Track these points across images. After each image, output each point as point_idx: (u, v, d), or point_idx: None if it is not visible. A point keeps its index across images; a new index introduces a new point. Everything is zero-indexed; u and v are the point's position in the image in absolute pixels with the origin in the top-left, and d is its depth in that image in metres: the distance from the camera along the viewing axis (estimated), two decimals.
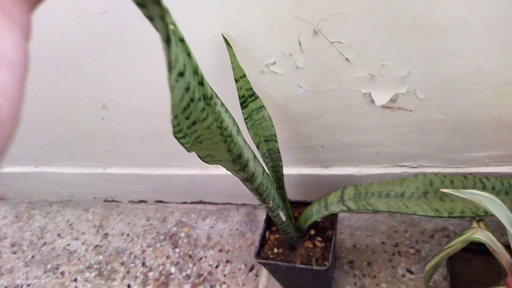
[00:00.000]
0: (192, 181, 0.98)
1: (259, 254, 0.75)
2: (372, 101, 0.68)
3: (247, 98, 0.65)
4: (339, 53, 0.60)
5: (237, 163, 0.43)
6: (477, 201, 0.44)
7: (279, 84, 0.68)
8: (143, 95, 0.79)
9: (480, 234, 0.56)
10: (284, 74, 0.66)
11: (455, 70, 0.59)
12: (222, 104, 0.40)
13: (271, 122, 0.68)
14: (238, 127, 0.44)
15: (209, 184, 0.97)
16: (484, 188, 0.65)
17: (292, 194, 0.91)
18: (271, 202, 0.58)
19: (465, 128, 0.69)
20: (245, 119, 0.65)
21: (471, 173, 0.76)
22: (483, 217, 0.71)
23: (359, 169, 0.83)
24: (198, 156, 0.39)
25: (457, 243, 0.58)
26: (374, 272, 0.82)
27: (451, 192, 0.44)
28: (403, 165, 0.80)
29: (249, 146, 0.48)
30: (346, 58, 0.61)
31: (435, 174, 0.66)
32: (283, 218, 0.65)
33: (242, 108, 0.65)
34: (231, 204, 1.04)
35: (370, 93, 0.66)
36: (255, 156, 0.50)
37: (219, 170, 0.93)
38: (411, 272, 0.80)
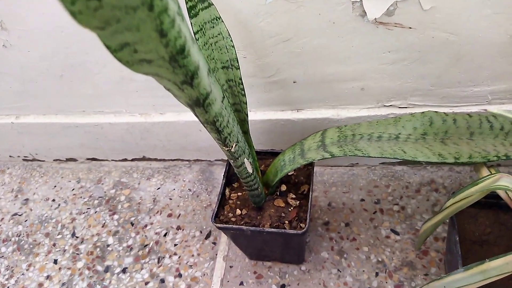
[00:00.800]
0: (131, 131, 0.79)
1: (217, 217, 0.59)
2: (363, 14, 0.52)
3: (198, 2, 0.46)
4: None
5: (180, 67, 0.25)
6: None
7: None
8: (55, 7, 0.57)
9: (506, 181, 0.43)
10: None
11: None
12: None
13: (231, 40, 0.50)
14: (180, 9, 0.26)
15: (152, 135, 0.79)
16: (491, 128, 0.52)
17: (256, 144, 0.75)
18: (233, 145, 0.42)
19: (471, 53, 0.55)
20: (195, 34, 0.47)
21: (470, 113, 0.64)
22: (494, 163, 0.58)
23: (337, 111, 0.68)
24: (107, 47, 0.22)
25: (472, 195, 0.46)
26: (354, 234, 0.69)
27: (504, 114, 0.30)
28: (390, 105, 0.66)
29: (203, 55, 0.31)
30: None
31: (435, 112, 0.53)
32: (249, 168, 0.49)
33: (191, 16, 0.46)
34: (181, 160, 0.86)
35: (361, 1, 0.50)
36: (210, 71, 0.32)
37: (164, 117, 0.75)
38: (396, 233, 0.68)
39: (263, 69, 0.62)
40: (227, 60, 0.51)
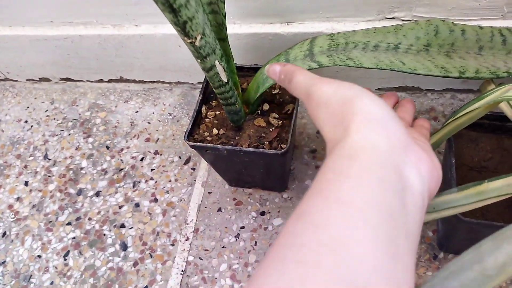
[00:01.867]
0: (105, 46, 0.71)
1: (191, 136, 0.53)
2: None
3: None
4: None
5: None
6: None
7: None
8: None
9: None
10: None
11: None
12: None
13: None
14: None
15: (128, 50, 0.71)
16: (504, 43, 0.45)
17: (240, 61, 0.68)
18: (198, 37, 0.35)
19: None
20: None
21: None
22: (504, 79, 0.52)
23: (332, 24, 0.60)
24: None
25: (476, 109, 0.40)
26: None
27: None
28: (393, 17, 0.58)
29: None
30: None
31: (442, 20, 0.46)
32: (223, 75, 0.43)
33: None
34: (162, 82, 0.79)
35: None
36: None
37: (139, 29, 0.67)
38: None
39: None
40: None
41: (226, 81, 0.44)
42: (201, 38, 0.36)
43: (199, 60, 0.39)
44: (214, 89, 0.46)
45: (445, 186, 0.47)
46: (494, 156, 0.48)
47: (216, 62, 0.41)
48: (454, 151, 0.45)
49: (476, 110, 0.39)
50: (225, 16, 0.47)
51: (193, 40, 0.35)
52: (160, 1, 0.29)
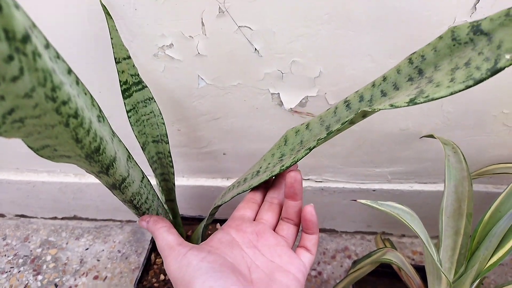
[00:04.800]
0: (64, 191, 0.80)
1: (140, 283, 0.61)
2: (281, 104, 0.60)
3: (132, 85, 0.52)
4: (248, 41, 0.51)
5: (95, 162, 0.30)
6: (395, 215, 0.38)
7: (176, 73, 0.57)
8: None
9: (391, 255, 0.50)
10: (182, 61, 0.55)
11: (366, 73, 0.54)
12: (70, 71, 0.27)
13: (162, 118, 0.56)
14: (101, 112, 0.32)
15: (85, 195, 0.80)
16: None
17: (186, 209, 0.80)
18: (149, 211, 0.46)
19: (371, 140, 0.65)
20: (127, 112, 0.52)
21: (374, 190, 0.73)
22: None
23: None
24: (30, 147, 0.26)
25: (366, 266, 0.52)
26: None
27: (369, 204, 0.37)
28: (308, 178, 0.73)
29: (124, 145, 0.36)
30: (255, 49, 0.52)
31: (292, 128, 0.59)
32: None
33: (125, 97, 0.52)
34: (113, 220, 0.87)
35: (279, 93, 0.59)
36: (130, 157, 0.37)
37: None
38: None
39: (196, 141, 0.68)
40: (158, 135, 0.57)
41: None
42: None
43: None
44: None
45: None
46: None
47: None
48: None
49: (366, 267, 0.52)
50: (174, 184, 0.59)
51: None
52: (127, 204, 0.40)
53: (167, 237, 0.37)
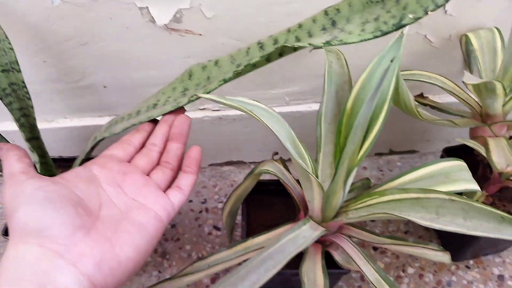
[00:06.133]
0: None
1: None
2: (153, 20, 0.54)
3: None
4: None
5: None
6: (248, 111, 0.35)
7: None
8: None
9: (269, 166, 0.49)
10: None
11: None
12: None
13: (10, 43, 0.48)
14: None
15: None
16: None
17: (75, 152, 0.73)
18: None
19: None
20: None
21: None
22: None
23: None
24: None
25: (247, 181, 0.51)
26: (178, 235, 0.71)
27: (214, 98, 0.34)
28: (204, 108, 0.70)
29: None
30: None
31: (197, 64, 0.51)
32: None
33: None
34: None
35: (147, 7, 0.53)
36: None
37: None
38: (217, 229, 0.71)
39: (68, 73, 0.61)
40: (7, 63, 0.49)
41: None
42: None
43: None
44: None
45: None
46: (283, 215, 0.59)
47: None
48: (247, 215, 0.55)
49: (247, 182, 0.50)
50: (35, 118, 0.52)
51: None
52: None
53: (14, 164, 0.31)
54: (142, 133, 0.41)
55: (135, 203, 0.33)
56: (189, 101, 0.42)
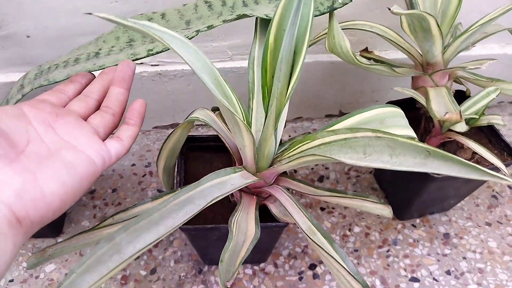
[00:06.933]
0: None
1: None
2: None
3: None
4: None
5: None
6: (158, 38, 0.31)
7: None
8: None
9: (199, 113, 0.46)
10: None
11: None
12: None
13: None
14: None
15: None
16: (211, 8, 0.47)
17: None
18: None
19: None
20: None
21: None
22: None
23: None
24: None
25: (178, 131, 0.47)
26: (120, 199, 0.67)
27: (114, 19, 0.30)
28: (141, 63, 0.65)
29: None
30: None
31: (140, 15, 0.49)
32: None
33: None
34: None
35: None
36: None
37: None
38: (160, 191, 0.68)
39: None
40: None
41: None
42: None
43: None
44: None
45: None
46: (223, 167, 0.57)
47: None
48: (185, 171, 0.52)
49: (177, 133, 0.47)
50: None
51: None
52: None
53: None
54: (76, 84, 0.39)
55: (66, 144, 0.31)
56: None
